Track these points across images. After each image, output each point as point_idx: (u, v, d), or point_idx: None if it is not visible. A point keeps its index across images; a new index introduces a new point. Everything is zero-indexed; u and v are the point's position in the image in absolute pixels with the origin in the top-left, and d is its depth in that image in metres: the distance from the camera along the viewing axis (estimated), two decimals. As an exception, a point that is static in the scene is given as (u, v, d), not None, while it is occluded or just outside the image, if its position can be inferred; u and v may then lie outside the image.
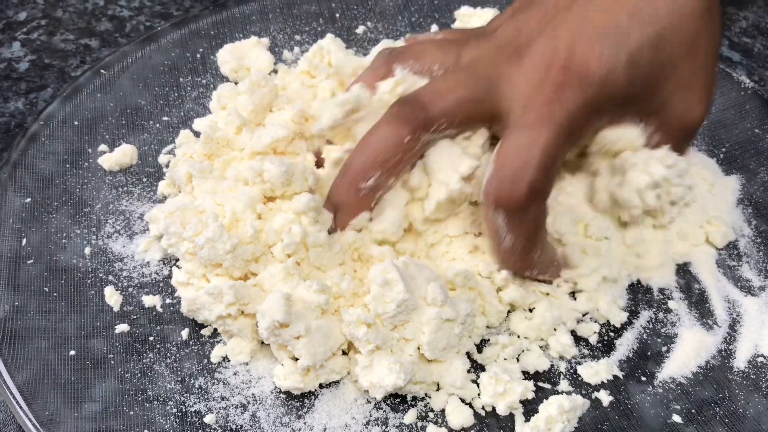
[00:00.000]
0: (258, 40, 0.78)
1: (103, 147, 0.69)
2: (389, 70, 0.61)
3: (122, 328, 0.58)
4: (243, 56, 0.77)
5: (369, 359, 0.53)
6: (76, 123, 0.70)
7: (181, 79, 0.76)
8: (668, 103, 0.58)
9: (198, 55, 0.78)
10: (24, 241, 0.61)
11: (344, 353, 0.56)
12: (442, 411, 0.54)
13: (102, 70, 0.74)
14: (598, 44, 0.54)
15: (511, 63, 0.56)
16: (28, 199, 0.64)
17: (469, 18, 0.80)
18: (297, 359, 0.54)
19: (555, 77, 0.54)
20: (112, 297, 0.59)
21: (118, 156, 0.68)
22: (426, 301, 0.54)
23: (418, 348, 0.54)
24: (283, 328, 0.53)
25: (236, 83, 0.75)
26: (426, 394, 0.55)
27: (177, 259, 0.62)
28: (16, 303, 0.57)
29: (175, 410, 0.53)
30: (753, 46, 0.88)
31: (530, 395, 0.55)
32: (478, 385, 0.55)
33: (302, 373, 0.53)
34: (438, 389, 0.55)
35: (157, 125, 0.72)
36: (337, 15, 0.83)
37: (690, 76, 0.58)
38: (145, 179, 0.68)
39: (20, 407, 0.52)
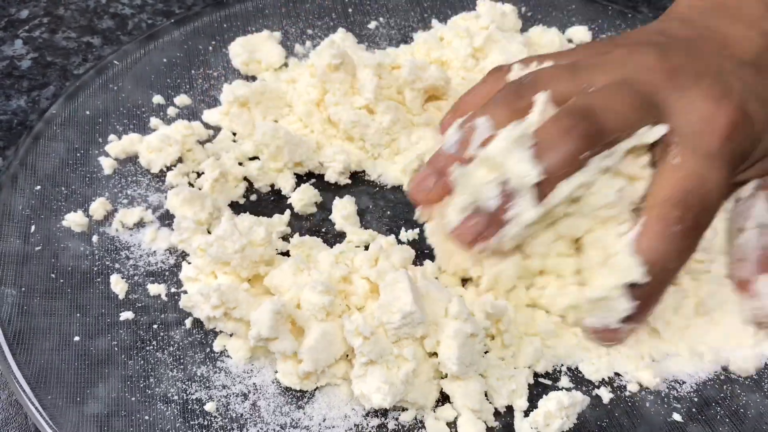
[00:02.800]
0: (270, 34, 0.79)
1: (112, 136, 0.69)
2: (528, 103, 0.55)
3: (127, 315, 0.58)
4: (255, 49, 0.77)
5: (363, 370, 0.52)
6: (86, 113, 0.71)
7: (187, 75, 0.76)
8: None
9: (204, 52, 0.78)
10: (33, 227, 0.62)
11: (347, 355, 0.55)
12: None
13: (106, 68, 0.74)
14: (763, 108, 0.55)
15: (674, 86, 0.55)
16: (38, 187, 0.64)
17: (489, 10, 0.79)
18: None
19: (728, 117, 0.53)
20: (118, 285, 0.59)
21: (125, 144, 0.68)
22: (448, 315, 0.53)
23: (440, 364, 0.53)
24: (270, 342, 0.53)
25: (247, 77, 0.76)
26: (433, 410, 0.54)
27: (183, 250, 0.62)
28: (23, 288, 0.58)
29: (176, 398, 0.54)
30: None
31: (531, 391, 0.55)
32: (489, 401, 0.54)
33: (302, 376, 0.53)
34: (438, 406, 0.54)
35: (167, 119, 0.72)
36: (350, 10, 0.83)
37: None
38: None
39: (26, 395, 0.52)
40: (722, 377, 0.56)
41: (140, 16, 0.89)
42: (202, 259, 0.58)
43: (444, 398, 0.55)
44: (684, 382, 0.56)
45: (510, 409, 0.54)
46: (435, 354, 0.53)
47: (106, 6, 0.89)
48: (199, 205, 0.62)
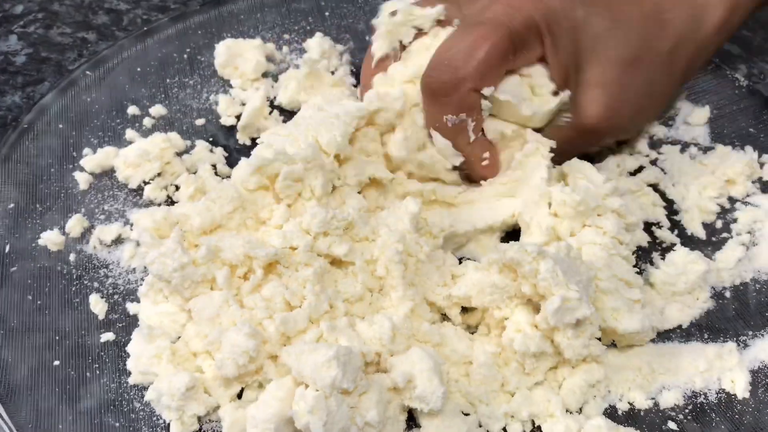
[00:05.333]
0: (261, 44, 0.77)
1: (86, 150, 0.68)
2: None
3: (107, 336, 0.56)
4: (237, 55, 0.76)
5: None
6: (59, 126, 0.69)
7: (162, 84, 0.74)
8: (581, 87, 0.62)
9: (194, 51, 0.77)
10: (7, 247, 0.60)
11: None
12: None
13: (78, 79, 0.72)
14: None
15: None
16: (12, 205, 0.63)
17: None
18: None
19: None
20: (97, 305, 0.58)
21: (100, 158, 0.67)
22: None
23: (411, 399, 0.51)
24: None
25: (222, 79, 0.75)
26: None
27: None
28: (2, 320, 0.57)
29: (160, 422, 0.52)
30: (753, 39, 0.86)
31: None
32: None
33: None
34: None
35: (152, 121, 0.71)
36: (327, 13, 0.81)
37: (603, 75, 0.61)
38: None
39: (3, 419, 0.51)
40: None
41: (135, 11, 0.87)
42: (152, 276, 0.56)
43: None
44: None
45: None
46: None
47: (101, 1, 0.88)
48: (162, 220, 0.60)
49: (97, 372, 0.55)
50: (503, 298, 0.54)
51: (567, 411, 0.54)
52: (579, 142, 0.64)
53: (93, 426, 0.52)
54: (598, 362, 0.54)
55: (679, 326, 0.59)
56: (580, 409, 0.54)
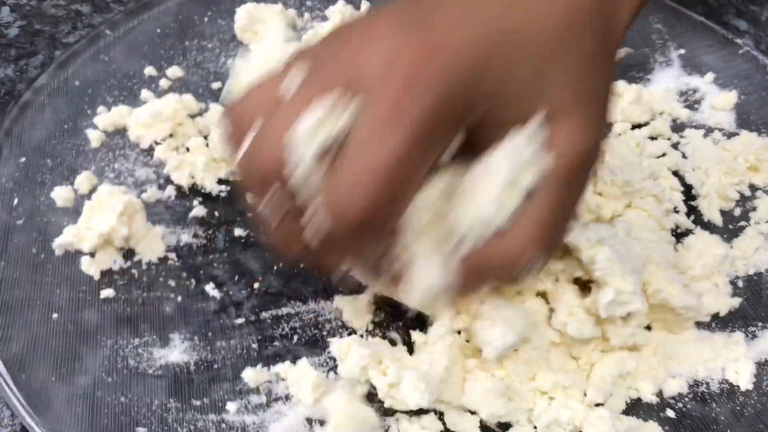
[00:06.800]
0: (282, 9, 0.76)
1: (101, 108, 0.68)
2: None
3: (107, 293, 0.57)
4: (258, 20, 0.75)
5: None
6: (76, 83, 0.69)
7: (180, 46, 0.74)
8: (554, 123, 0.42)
9: (198, 23, 0.76)
10: (16, 200, 0.60)
11: None
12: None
13: (97, 37, 0.72)
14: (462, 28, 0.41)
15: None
16: (23, 159, 0.63)
17: None
18: None
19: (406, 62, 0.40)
20: (91, 267, 0.58)
21: (114, 116, 0.66)
22: None
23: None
24: None
25: (241, 43, 0.74)
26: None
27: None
28: (2, 262, 0.57)
29: (161, 372, 0.53)
30: (760, 14, 0.84)
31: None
32: None
33: None
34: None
35: (169, 83, 0.71)
36: (351, -20, 0.80)
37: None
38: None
39: (5, 381, 0.51)
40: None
41: (133, -17, 0.87)
42: None
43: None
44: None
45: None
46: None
47: (97, -28, 0.87)
48: None
49: (95, 327, 0.55)
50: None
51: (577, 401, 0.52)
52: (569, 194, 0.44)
53: (88, 379, 0.52)
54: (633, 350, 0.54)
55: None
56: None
